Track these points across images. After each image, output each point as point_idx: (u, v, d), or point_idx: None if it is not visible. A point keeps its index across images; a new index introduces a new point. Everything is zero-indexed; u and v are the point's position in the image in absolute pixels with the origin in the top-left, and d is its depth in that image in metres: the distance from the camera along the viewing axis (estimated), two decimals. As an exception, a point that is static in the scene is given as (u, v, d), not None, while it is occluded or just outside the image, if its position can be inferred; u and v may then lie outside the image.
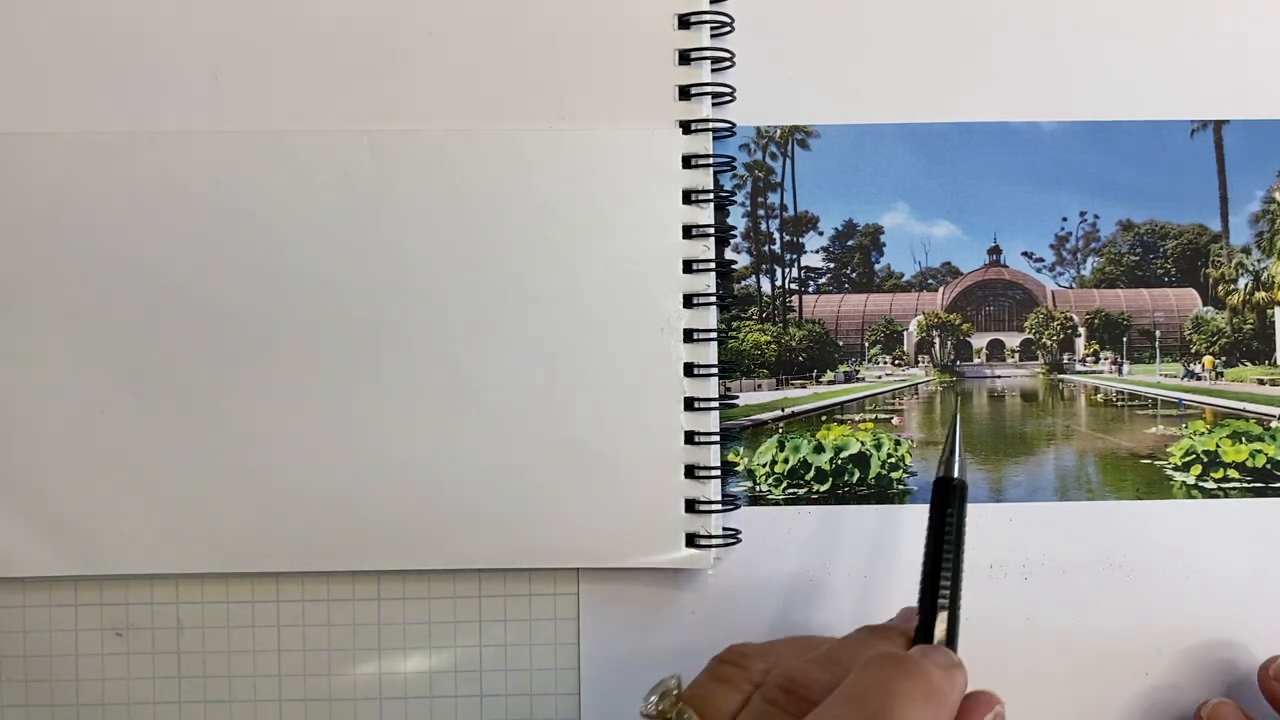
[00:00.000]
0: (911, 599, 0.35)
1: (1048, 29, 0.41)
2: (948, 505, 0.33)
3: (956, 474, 0.33)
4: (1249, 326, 0.42)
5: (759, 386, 0.42)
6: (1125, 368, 0.43)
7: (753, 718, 0.30)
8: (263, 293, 0.39)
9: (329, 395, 0.39)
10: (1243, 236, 0.42)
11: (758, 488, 0.41)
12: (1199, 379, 0.42)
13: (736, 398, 0.41)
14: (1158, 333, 0.43)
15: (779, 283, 0.42)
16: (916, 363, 0.43)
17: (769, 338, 0.42)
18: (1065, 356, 0.43)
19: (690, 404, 0.40)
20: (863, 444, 0.42)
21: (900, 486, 0.41)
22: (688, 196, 0.40)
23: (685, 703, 0.31)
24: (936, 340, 0.43)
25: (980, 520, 0.41)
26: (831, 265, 0.42)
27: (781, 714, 0.29)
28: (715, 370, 0.40)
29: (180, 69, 0.40)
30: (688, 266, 0.40)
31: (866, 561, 0.40)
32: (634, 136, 0.40)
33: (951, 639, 0.32)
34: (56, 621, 0.40)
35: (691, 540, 0.40)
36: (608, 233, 0.40)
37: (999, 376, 0.43)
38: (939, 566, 0.32)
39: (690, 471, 0.40)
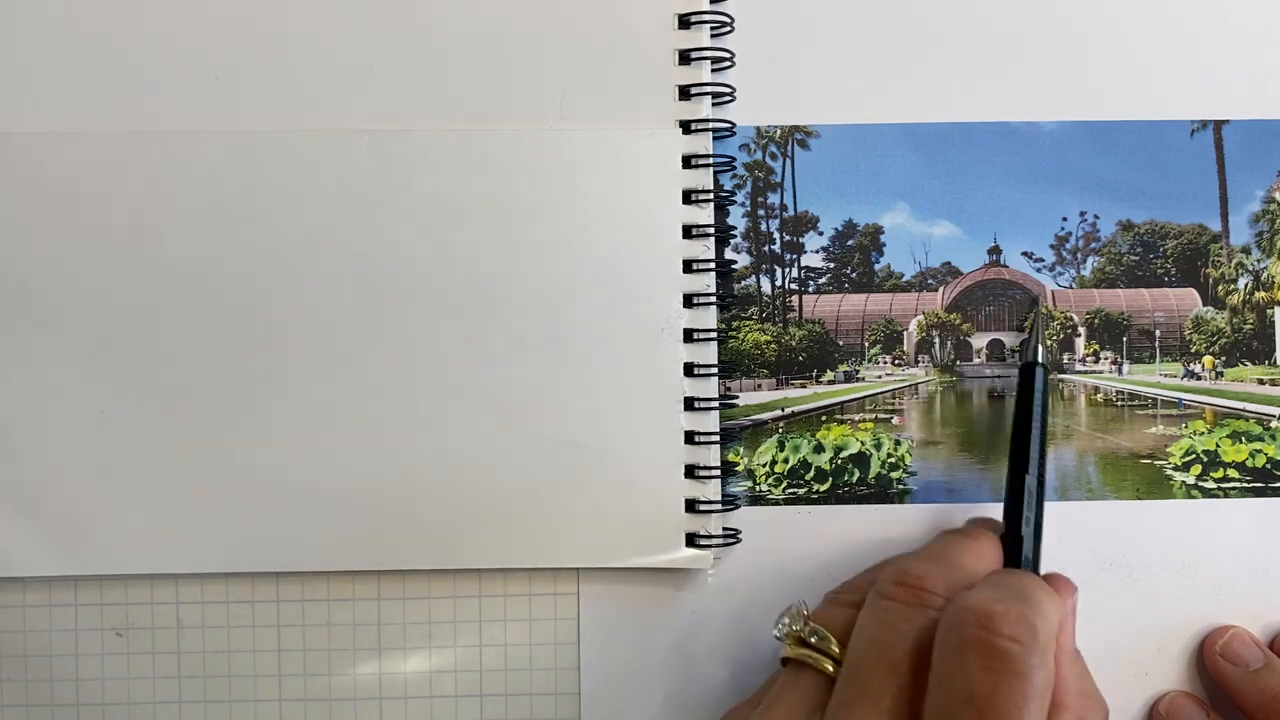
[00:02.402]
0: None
1: (1048, 29, 0.41)
2: (1030, 386, 0.38)
3: (1040, 359, 0.39)
4: (1249, 326, 0.42)
5: (759, 386, 0.42)
6: (1125, 368, 0.43)
7: (873, 614, 0.31)
8: (263, 293, 0.39)
9: (329, 395, 0.39)
10: (1243, 236, 0.42)
11: (758, 488, 0.41)
12: (1199, 379, 0.42)
13: (736, 398, 0.41)
14: (1158, 333, 0.43)
15: (779, 283, 0.42)
16: (916, 363, 0.43)
17: (769, 338, 0.42)
18: (1065, 356, 0.43)
19: (690, 404, 0.40)
20: (863, 444, 0.42)
21: (900, 486, 0.41)
22: (688, 196, 0.40)
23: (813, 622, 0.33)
24: (936, 340, 0.43)
25: (980, 520, 0.41)
26: (831, 265, 0.42)
27: (901, 605, 0.31)
28: (715, 370, 0.40)
29: (180, 69, 0.40)
30: (688, 266, 0.40)
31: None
32: (634, 136, 0.40)
33: (1037, 554, 0.36)
34: (56, 621, 0.40)
35: (691, 540, 0.40)
36: (608, 233, 0.40)
37: (999, 376, 0.43)
38: (1027, 442, 0.37)
39: (690, 471, 0.40)
